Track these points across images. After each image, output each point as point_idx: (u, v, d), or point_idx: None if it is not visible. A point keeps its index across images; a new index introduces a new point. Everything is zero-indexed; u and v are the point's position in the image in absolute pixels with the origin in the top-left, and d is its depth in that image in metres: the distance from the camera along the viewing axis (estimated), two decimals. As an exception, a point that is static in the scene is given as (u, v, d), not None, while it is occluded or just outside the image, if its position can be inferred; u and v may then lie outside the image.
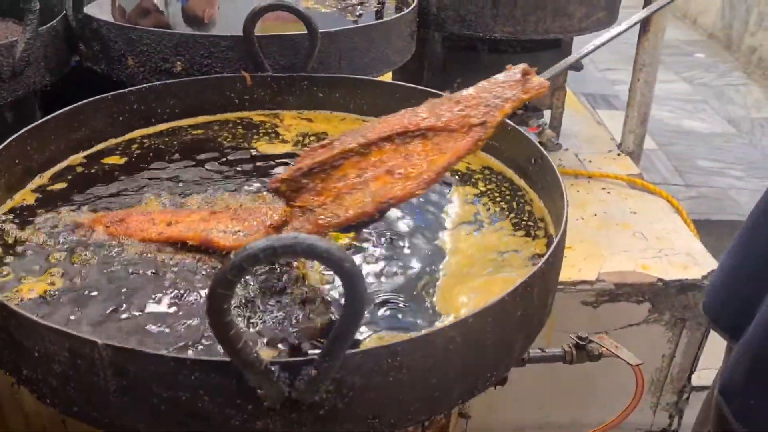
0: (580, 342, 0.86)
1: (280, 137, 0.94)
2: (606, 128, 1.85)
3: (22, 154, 0.79)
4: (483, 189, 0.80)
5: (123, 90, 0.92)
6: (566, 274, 1.21)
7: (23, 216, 0.74)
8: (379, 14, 1.32)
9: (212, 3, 1.43)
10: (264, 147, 0.92)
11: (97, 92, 0.92)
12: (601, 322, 1.24)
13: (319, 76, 1.00)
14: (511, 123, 0.85)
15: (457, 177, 0.83)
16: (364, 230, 0.72)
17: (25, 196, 0.78)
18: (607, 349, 0.83)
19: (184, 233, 0.69)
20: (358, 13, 1.29)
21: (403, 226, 0.73)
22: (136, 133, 0.94)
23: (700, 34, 4.34)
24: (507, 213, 0.76)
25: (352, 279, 0.43)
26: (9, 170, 0.77)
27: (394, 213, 0.75)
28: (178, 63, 1.02)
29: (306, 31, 0.97)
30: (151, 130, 0.95)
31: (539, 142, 1.45)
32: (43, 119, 0.82)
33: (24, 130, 0.79)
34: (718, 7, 4.16)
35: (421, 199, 0.78)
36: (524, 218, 0.74)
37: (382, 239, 0.71)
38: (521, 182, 0.81)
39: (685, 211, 1.46)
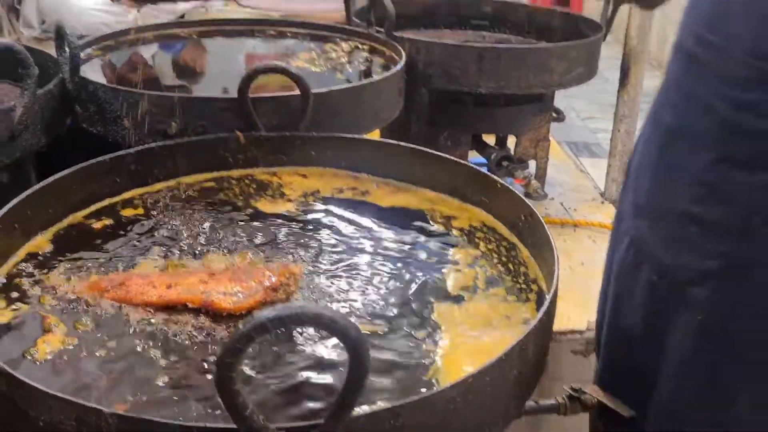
0: (573, 393, 0.88)
1: (278, 194, 0.96)
2: (590, 176, 1.89)
3: (20, 218, 0.80)
4: (484, 250, 0.82)
5: (120, 152, 0.94)
6: (556, 323, 1.22)
7: (20, 278, 0.74)
8: (367, 72, 1.36)
9: (202, 54, 1.48)
10: (261, 204, 0.94)
11: (89, 151, 0.94)
12: (592, 370, 1.25)
13: (311, 136, 1.02)
14: (500, 180, 0.88)
15: (464, 238, 0.84)
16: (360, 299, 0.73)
17: (22, 258, 0.78)
18: (601, 400, 0.85)
19: (184, 296, 0.70)
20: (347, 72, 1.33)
21: (401, 294, 0.75)
22: (133, 192, 0.96)
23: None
24: (504, 275, 0.78)
25: (356, 347, 0.44)
26: (7, 234, 0.78)
27: (391, 281, 0.76)
28: (174, 124, 1.04)
29: (299, 92, 1.00)
30: (147, 189, 0.97)
31: (526, 194, 1.49)
32: (42, 183, 0.84)
33: (24, 195, 0.80)
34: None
35: (424, 262, 0.80)
36: (520, 280, 0.76)
37: (378, 307, 0.72)
38: (514, 239, 0.83)
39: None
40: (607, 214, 1.62)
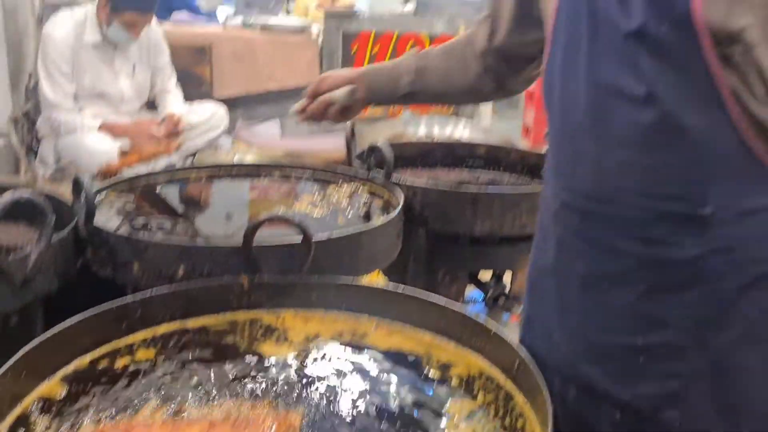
0: None
1: (281, 338, 0.99)
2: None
3: (29, 365, 0.82)
4: (481, 402, 0.83)
5: (127, 299, 0.98)
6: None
7: (28, 426, 0.76)
8: (367, 214, 1.42)
9: (207, 188, 1.55)
10: (264, 348, 0.96)
11: (95, 291, 0.97)
12: None
13: (312, 282, 1.06)
14: (493, 328, 0.90)
15: (462, 387, 0.86)
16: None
17: (28, 405, 0.80)
18: None
19: (186, 447, 0.71)
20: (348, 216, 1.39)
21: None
22: (138, 336, 0.98)
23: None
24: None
25: None
26: (15, 380, 0.80)
27: None
28: (181, 269, 1.09)
29: (301, 239, 1.05)
30: (152, 332, 1.00)
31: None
32: (51, 332, 0.87)
33: (33, 343, 0.83)
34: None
35: (422, 413, 0.81)
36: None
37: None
38: (510, 385, 0.85)
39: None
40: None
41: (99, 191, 1.35)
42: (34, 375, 0.84)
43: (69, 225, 1.16)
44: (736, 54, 0.73)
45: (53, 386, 0.85)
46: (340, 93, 1.35)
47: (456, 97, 1.48)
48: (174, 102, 2.95)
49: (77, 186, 1.17)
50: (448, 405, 0.83)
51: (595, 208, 0.85)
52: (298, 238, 1.06)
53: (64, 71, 2.67)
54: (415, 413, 0.82)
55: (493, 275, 1.72)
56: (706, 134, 0.77)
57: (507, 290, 1.60)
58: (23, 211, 1.28)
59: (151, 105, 3.06)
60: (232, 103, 3.28)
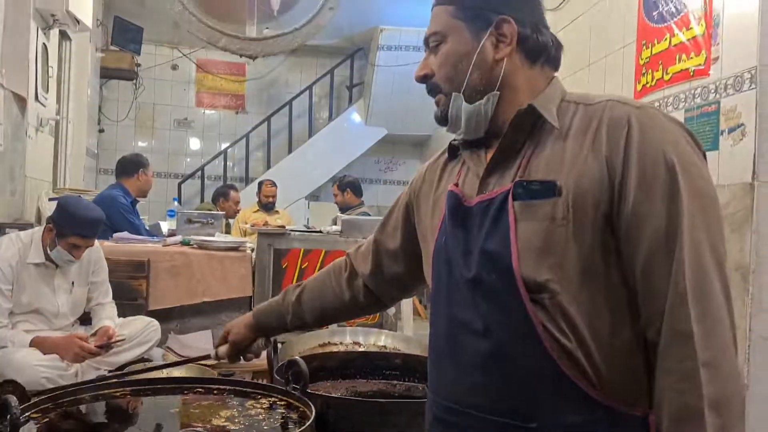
0: None
1: None
2: None
3: None
4: None
5: None
6: None
7: None
8: (284, 425, 1.52)
9: (136, 400, 1.62)
10: None
11: None
12: None
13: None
14: None
15: None
16: None
17: None
18: None
19: None
20: None
21: None
22: None
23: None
24: None
25: None
26: None
27: None
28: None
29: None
30: None
31: None
32: None
33: None
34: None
35: None
36: None
37: None
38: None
39: None
40: None
41: (25, 410, 1.42)
42: None
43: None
44: (545, 299, 0.97)
45: None
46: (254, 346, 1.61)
47: (337, 315, 1.65)
48: (108, 316, 3.06)
49: (4, 407, 1.26)
50: None
51: (456, 422, 1.04)
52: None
53: (4, 290, 2.79)
54: None
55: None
56: (529, 361, 0.97)
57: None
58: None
59: (85, 318, 3.15)
60: (165, 315, 3.39)
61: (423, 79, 1.16)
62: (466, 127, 1.12)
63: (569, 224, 0.98)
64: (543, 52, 1.13)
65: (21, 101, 3.98)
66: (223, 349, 1.57)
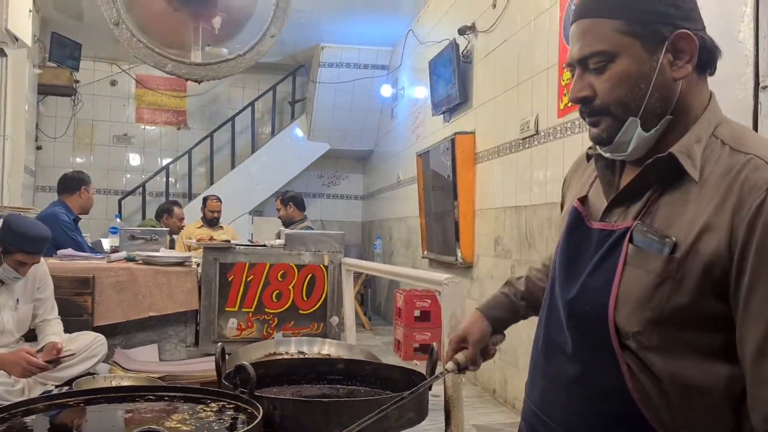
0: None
1: None
2: None
3: None
4: None
5: None
6: None
7: None
8: (232, 426, 1.63)
9: (81, 415, 1.70)
10: None
11: None
12: None
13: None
14: None
15: None
16: None
17: None
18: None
19: None
20: None
21: None
22: None
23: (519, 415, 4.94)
24: None
25: None
26: None
27: None
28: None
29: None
30: None
31: None
32: None
33: None
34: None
35: None
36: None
37: None
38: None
39: None
40: None
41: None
42: None
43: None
44: (634, 346, 0.99)
45: None
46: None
47: None
48: (54, 331, 3.09)
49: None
50: None
51: (537, 427, 1.16)
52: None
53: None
54: None
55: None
56: (610, 396, 1.01)
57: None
58: None
59: (31, 335, 3.17)
60: (111, 330, 3.42)
61: (582, 100, 1.06)
62: (632, 152, 1.05)
63: (675, 284, 0.96)
64: (713, 63, 1.05)
65: (-41, 120, 3.97)
66: (462, 356, 1.41)
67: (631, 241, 1.00)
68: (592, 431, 1.04)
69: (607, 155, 1.09)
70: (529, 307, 1.42)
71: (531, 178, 4.22)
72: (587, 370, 1.04)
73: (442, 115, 6.11)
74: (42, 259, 3.13)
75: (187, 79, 3.41)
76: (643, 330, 0.98)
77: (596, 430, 1.03)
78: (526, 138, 4.28)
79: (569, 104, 3.34)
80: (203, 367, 3.49)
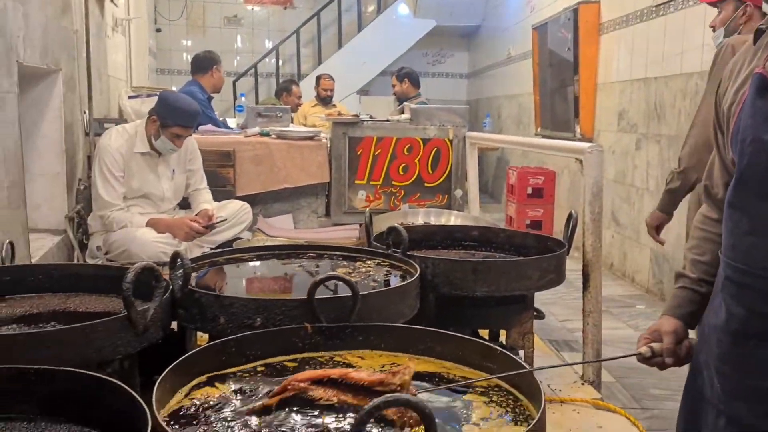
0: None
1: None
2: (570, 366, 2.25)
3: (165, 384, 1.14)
4: (495, 399, 1.16)
5: (227, 338, 1.31)
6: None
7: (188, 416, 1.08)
8: (387, 282, 1.78)
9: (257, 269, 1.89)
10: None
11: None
12: None
13: (359, 325, 1.40)
14: (501, 348, 1.25)
15: (478, 392, 1.18)
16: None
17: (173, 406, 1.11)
18: None
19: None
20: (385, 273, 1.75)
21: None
22: (233, 369, 1.30)
23: (639, 289, 4.99)
24: (510, 414, 1.11)
25: (429, 419, 0.80)
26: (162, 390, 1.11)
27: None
28: (258, 319, 1.43)
29: (350, 293, 1.40)
30: (242, 367, 1.32)
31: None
32: (184, 357, 1.20)
33: (171, 366, 1.16)
34: (648, 267, 4.87)
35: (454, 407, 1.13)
36: (521, 417, 1.10)
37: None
38: (518, 393, 1.18)
39: (643, 427, 1.81)
40: (587, 393, 1.97)
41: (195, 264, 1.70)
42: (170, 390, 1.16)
43: (167, 290, 1.51)
44: None
45: (183, 396, 1.16)
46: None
47: None
48: (206, 200, 3.36)
49: (174, 259, 1.53)
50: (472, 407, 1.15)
51: (750, 282, 1.14)
52: (347, 293, 1.41)
53: (117, 176, 3.09)
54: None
55: (490, 333, 2.06)
56: None
57: (503, 346, 1.94)
58: (112, 289, 1.64)
59: (184, 203, 3.47)
60: (250, 200, 3.69)
61: None
62: None
63: None
64: None
65: (99, 1, 4.15)
66: (658, 345, 1.39)
67: None
68: None
69: None
70: (707, 290, 1.38)
71: (663, 48, 4.01)
72: None
73: (562, -16, 5.81)
74: (190, 133, 3.36)
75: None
76: None
77: None
78: (660, 5, 4.02)
79: (716, -36, 3.08)
80: (336, 234, 3.72)
